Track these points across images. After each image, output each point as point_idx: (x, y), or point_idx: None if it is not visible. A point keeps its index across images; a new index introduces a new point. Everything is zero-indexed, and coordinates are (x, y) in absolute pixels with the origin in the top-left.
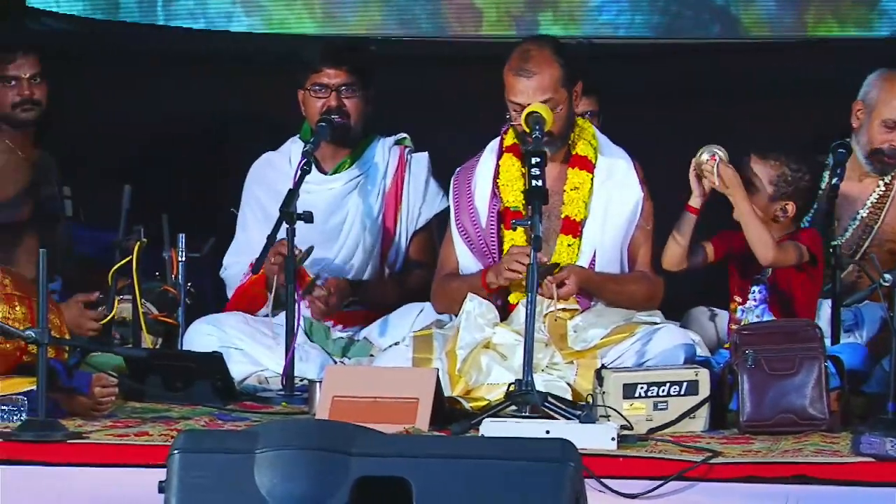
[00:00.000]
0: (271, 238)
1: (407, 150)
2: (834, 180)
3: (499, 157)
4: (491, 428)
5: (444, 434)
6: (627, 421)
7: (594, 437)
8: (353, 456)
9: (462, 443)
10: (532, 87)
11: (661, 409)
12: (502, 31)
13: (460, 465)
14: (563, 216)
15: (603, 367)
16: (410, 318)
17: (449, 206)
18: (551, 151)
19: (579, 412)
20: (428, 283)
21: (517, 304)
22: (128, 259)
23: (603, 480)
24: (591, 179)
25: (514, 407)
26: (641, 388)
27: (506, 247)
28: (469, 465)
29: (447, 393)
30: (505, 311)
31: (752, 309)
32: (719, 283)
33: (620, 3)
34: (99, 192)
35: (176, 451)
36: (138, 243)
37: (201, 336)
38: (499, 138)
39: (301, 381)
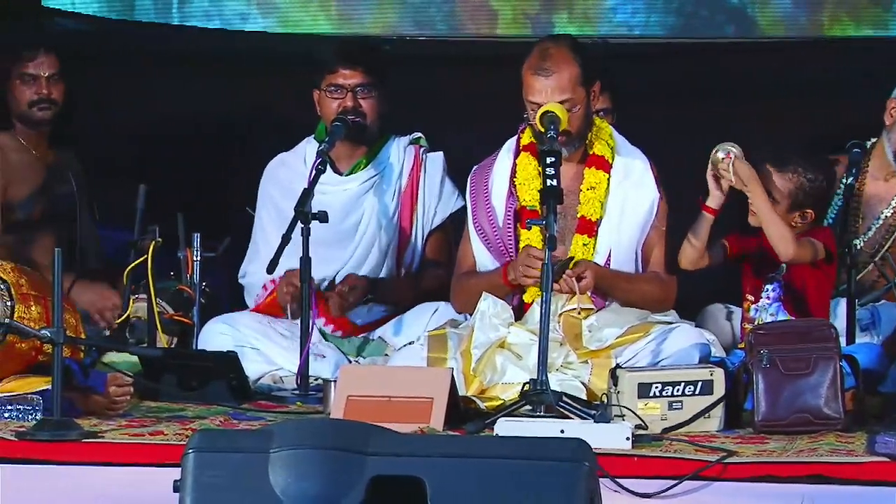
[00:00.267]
0: (286, 238)
1: (422, 149)
2: (850, 180)
3: (516, 156)
4: (505, 427)
5: (459, 433)
6: (642, 420)
7: (609, 437)
8: (368, 455)
9: (477, 442)
10: (550, 86)
11: (675, 409)
12: (517, 31)
13: (475, 464)
14: (579, 216)
15: (618, 366)
16: (425, 317)
17: (464, 206)
18: (568, 151)
19: (594, 412)
20: (443, 282)
21: (532, 302)
22: (143, 258)
23: (618, 480)
24: (608, 179)
25: (528, 406)
26: (656, 387)
27: (522, 246)
28: (484, 465)
29: (462, 392)
30: (520, 311)
31: (766, 307)
32: (735, 280)
33: (636, 3)
34: (114, 191)
35: (191, 451)
36: (153, 243)
37: (216, 335)
38: (516, 137)
39: (316, 380)
